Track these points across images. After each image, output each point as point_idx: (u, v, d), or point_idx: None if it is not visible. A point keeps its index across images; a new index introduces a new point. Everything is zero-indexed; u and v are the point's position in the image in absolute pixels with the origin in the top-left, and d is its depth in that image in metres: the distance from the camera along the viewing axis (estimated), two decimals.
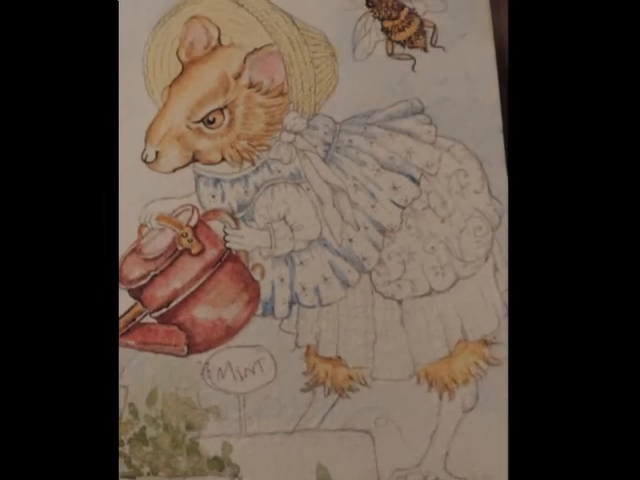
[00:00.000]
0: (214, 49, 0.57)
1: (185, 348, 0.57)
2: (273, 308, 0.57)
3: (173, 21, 0.58)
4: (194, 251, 0.57)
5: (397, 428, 0.56)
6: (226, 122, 0.57)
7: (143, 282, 0.57)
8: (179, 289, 0.57)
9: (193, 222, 0.57)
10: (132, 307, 0.57)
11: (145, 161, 0.57)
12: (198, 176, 0.58)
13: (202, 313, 0.57)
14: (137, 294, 0.57)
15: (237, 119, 0.57)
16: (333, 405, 0.56)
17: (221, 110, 0.57)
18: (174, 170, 0.57)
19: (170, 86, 0.57)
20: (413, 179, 0.57)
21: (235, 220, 0.57)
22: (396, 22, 0.58)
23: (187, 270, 0.57)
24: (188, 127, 0.57)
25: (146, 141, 0.57)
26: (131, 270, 0.57)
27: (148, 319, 0.57)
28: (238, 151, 0.57)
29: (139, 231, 0.57)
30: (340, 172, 0.57)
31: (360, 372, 0.57)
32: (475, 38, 0.58)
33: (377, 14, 0.59)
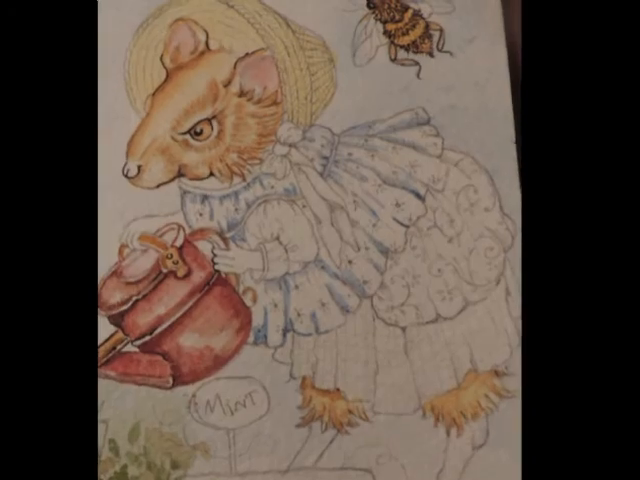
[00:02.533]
0: (201, 54, 0.57)
1: (170, 379, 0.56)
2: (266, 336, 0.56)
3: (157, 24, 0.57)
4: (180, 274, 0.56)
5: (401, 466, 0.55)
6: (215, 133, 0.56)
7: (124, 308, 0.56)
8: (163, 315, 0.56)
9: (179, 242, 0.56)
10: (112, 335, 0.56)
11: (126, 176, 0.56)
12: (184, 192, 0.57)
13: (188, 341, 0.56)
14: (118, 320, 0.56)
15: (227, 130, 0.56)
16: (331, 441, 0.56)
17: (209, 120, 0.56)
18: (158, 186, 0.56)
19: (154, 94, 0.57)
20: (418, 195, 0.57)
21: (224, 240, 0.57)
22: (399, 25, 0.58)
23: (172, 295, 0.56)
24: (173, 139, 0.56)
25: (128, 154, 0.56)
26: (111, 294, 0.56)
27: (130, 348, 0.56)
28: (228, 165, 0.56)
29: (120, 252, 0.57)
30: (339, 188, 0.56)
31: (360, 406, 0.56)
32: (485, 42, 0.58)
33: (379, 16, 0.58)
